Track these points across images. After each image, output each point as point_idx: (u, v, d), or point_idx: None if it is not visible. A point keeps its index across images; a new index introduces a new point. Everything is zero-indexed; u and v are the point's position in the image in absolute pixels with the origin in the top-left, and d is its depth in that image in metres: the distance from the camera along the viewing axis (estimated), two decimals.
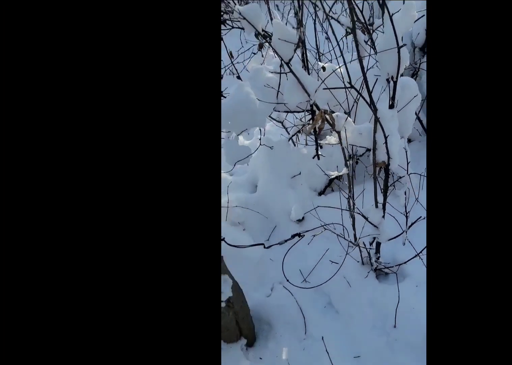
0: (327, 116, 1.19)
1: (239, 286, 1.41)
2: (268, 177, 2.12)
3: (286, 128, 2.18)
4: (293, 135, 2.16)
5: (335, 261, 1.85)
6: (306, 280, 1.83)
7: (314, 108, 1.60)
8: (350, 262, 1.80)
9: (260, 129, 1.79)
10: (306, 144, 2.13)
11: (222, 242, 1.17)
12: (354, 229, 1.80)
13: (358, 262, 1.80)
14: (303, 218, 2.08)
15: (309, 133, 1.55)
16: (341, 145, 1.40)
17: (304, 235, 1.34)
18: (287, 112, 1.97)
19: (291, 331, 1.66)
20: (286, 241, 1.29)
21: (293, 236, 1.31)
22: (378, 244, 1.67)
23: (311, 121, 1.77)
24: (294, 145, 2.20)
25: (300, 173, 2.11)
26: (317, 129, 1.23)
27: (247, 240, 1.94)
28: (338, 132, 1.33)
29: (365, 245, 1.63)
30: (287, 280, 1.61)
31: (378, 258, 1.72)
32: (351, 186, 1.64)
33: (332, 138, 1.42)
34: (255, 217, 2.02)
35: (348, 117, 1.31)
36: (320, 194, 2.25)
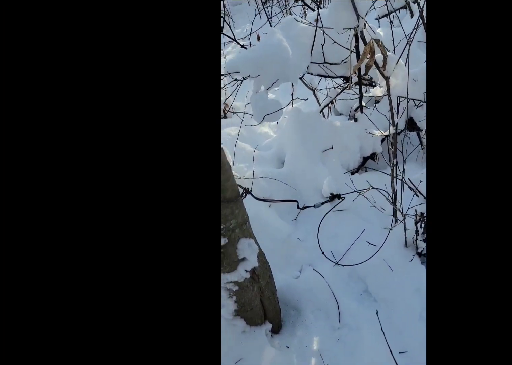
0: (380, 49, 0.97)
1: (266, 258, 1.21)
2: (297, 152, 1.92)
3: (317, 99, 1.98)
4: (325, 106, 1.96)
5: (373, 243, 1.63)
6: (339, 263, 1.60)
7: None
8: (391, 243, 1.57)
9: (292, 85, 1.59)
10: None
11: (249, 196, 0.96)
12: (395, 204, 1.58)
13: (401, 243, 1.57)
14: (338, 197, 1.85)
15: (354, 73, 1.34)
16: (389, 96, 1.18)
17: (344, 197, 1.12)
18: (321, 76, 1.77)
19: (323, 319, 1.44)
20: (323, 203, 1.08)
21: (331, 197, 1.10)
22: None
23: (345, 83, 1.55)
24: (324, 117, 2.00)
25: (332, 147, 1.89)
26: (361, 69, 1.01)
27: (273, 216, 1.74)
28: (387, 79, 1.12)
29: (417, 223, 1.39)
30: (322, 253, 1.38)
31: (425, 239, 1.49)
32: (395, 152, 1.41)
33: (377, 90, 1.21)
34: (282, 193, 1.82)
35: (400, 60, 1.09)
36: (353, 173, 2.03)
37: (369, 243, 1.61)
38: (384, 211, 1.48)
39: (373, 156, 2.09)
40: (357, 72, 1.40)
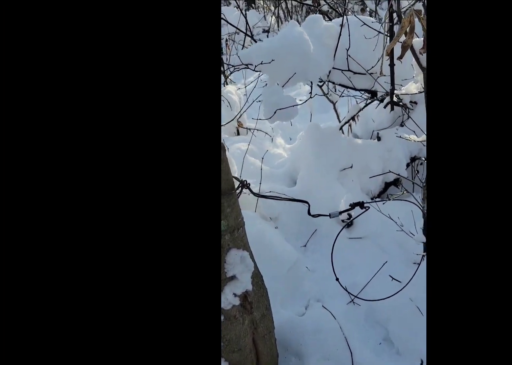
0: (421, 23, 0.77)
1: (264, 282, 0.95)
2: (312, 169, 1.70)
3: (337, 114, 1.79)
4: (346, 123, 1.76)
5: (397, 278, 1.35)
6: (355, 301, 1.32)
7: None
8: (419, 280, 1.29)
9: (310, 83, 1.41)
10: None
11: (246, 190, 0.74)
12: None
13: None
14: (352, 222, 1.61)
15: (388, 54, 1.13)
16: (426, 93, 0.98)
17: (368, 207, 0.89)
18: (344, 86, 1.59)
19: None
20: (341, 212, 0.87)
21: (352, 206, 0.87)
22: None
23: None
24: (343, 134, 1.79)
25: (352, 167, 1.67)
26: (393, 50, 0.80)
27: (279, 239, 1.49)
28: (425, 70, 0.91)
29: None
30: (337, 279, 1.11)
31: None
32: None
33: (412, 85, 1.00)
34: (294, 214, 1.57)
35: None
36: (373, 198, 1.79)
37: (392, 278, 1.33)
38: (413, 236, 1.21)
39: (396, 182, 1.86)
40: (389, 55, 1.19)
